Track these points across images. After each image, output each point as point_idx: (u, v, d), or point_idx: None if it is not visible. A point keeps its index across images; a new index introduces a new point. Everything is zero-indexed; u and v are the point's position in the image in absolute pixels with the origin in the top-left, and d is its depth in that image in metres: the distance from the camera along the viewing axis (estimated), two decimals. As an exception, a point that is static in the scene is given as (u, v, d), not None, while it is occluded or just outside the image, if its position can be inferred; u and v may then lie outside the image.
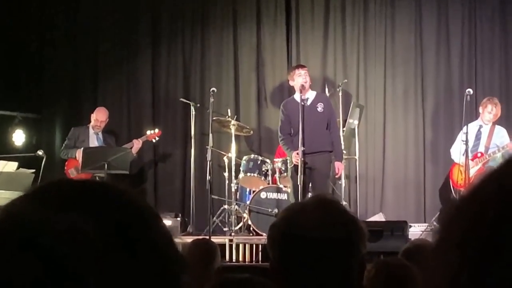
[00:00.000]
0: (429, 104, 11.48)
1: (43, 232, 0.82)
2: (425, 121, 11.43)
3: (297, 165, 8.95)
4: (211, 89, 10.27)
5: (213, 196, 10.14)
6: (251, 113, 11.76)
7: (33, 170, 9.22)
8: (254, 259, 9.37)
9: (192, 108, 10.71)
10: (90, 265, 0.84)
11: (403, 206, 11.19)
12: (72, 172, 10.38)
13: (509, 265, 0.59)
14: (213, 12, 12.00)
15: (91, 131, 10.77)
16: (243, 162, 10.16)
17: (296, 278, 2.08)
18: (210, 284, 2.08)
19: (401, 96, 11.52)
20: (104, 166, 9.83)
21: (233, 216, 10.16)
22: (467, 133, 9.61)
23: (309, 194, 8.83)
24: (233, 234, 9.89)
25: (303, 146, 8.93)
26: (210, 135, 9.99)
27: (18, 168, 9.10)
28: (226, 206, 10.36)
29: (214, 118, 10.31)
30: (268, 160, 10.21)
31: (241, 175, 10.12)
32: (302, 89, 9.16)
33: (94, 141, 10.73)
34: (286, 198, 9.62)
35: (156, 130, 10.92)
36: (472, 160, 9.87)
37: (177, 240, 1.05)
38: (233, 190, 10.28)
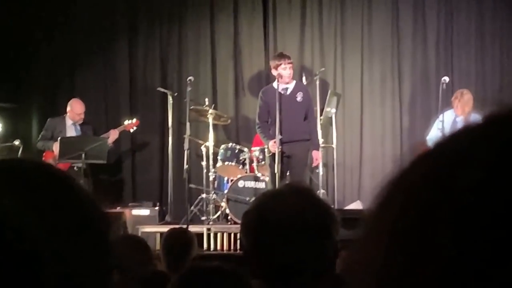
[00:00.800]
0: (406, 92, 11.52)
1: None
2: (402, 109, 11.47)
3: (275, 154, 8.98)
4: (188, 78, 10.26)
5: (190, 185, 10.14)
6: (229, 102, 11.75)
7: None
8: (232, 248, 9.36)
9: (170, 97, 10.67)
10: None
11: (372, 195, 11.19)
12: (51, 163, 10.33)
13: (439, 258, 0.58)
14: (191, 1, 11.96)
15: (68, 121, 10.70)
16: (221, 151, 10.15)
17: (270, 264, 2.08)
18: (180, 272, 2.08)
19: (378, 84, 11.55)
20: (81, 156, 9.79)
21: (211, 205, 10.15)
22: (443, 121, 9.66)
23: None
24: (211, 223, 9.88)
25: (281, 134, 8.95)
26: (188, 124, 9.98)
27: (-6, 158, 9.03)
28: (204, 195, 10.34)
29: (191, 107, 10.29)
30: (245, 149, 10.20)
31: (219, 164, 10.11)
32: (287, 80, 9.23)
33: (72, 132, 10.67)
34: (264, 187, 9.62)
35: (134, 120, 10.88)
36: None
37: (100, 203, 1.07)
38: (211, 179, 10.27)
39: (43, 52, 11.78)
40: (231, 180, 10.08)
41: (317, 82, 10.22)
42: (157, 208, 10.58)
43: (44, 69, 11.80)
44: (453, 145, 0.63)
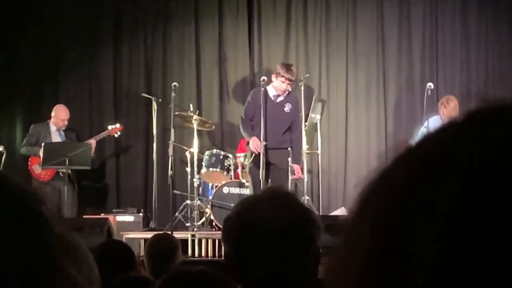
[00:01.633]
0: (391, 98, 11.55)
1: None
2: (387, 115, 11.49)
3: (257, 160, 9.01)
4: (173, 84, 10.24)
5: (175, 192, 10.11)
6: (213, 108, 11.74)
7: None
8: (216, 254, 9.34)
9: (154, 103, 10.66)
10: None
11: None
12: (36, 169, 10.32)
13: (420, 261, 0.56)
14: (175, 7, 11.95)
15: (52, 127, 10.67)
16: (206, 157, 10.14)
17: (251, 270, 2.07)
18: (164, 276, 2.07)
19: (363, 90, 11.57)
20: (65, 161, 9.78)
21: (196, 211, 10.13)
22: (427, 126, 9.67)
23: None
24: (195, 229, 9.86)
25: (265, 141, 8.97)
26: (172, 130, 9.96)
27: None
28: (188, 202, 10.32)
29: (176, 113, 10.28)
30: (230, 155, 10.20)
31: (204, 170, 10.10)
32: (283, 92, 9.32)
33: (56, 137, 10.65)
34: (249, 193, 9.62)
35: (118, 125, 10.87)
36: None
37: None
38: (195, 185, 10.27)
39: (26, 56, 11.73)
40: (216, 186, 10.07)
41: (302, 88, 10.22)
42: (141, 214, 10.56)
43: (27, 74, 11.75)
44: (434, 143, 0.62)
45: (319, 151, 10.65)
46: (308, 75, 10.89)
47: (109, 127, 10.84)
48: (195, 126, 10.36)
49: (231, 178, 10.06)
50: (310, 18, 11.75)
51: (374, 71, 11.57)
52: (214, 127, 11.06)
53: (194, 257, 9.29)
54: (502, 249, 0.53)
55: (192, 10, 11.87)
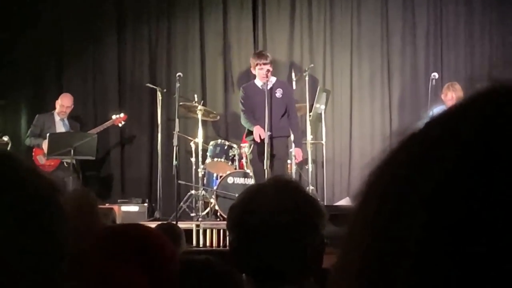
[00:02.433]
0: (395, 88, 11.53)
1: None
2: (391, 105, 11.47)
3: (258, 151, 9.01)
4: (177, 74, 10.22)
5: (180, 182, 10.11)
6: (218, 98, 11.74)
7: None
8: (221, 244, 9.35)
9: (159, 94, 10.66)
10: None
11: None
12: (40, 159, 10.34)
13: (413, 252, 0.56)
14: (180, -4, 11.95)
15: (56, 117, 10.69)
16: (210, 147, 10.13)
17: (255, 258, 2.07)
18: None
19: (367, 80, 11.55)
20: (70, 152, 9.80)
21: (200, 202, 10.13)
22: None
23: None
24: (200, 219, 9.86)
25: (270, 131, 8.97)
26: (177, 120, 9.95)
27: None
28: (193, 192, 10.33)
29: (180, 103, 10.26)
30: (235, 145, 10.19)
31: (208, 160, 10.09)
32: (266, 81, 9.23)
33: (60, 127, 10.67)
34: (253, 183, 9.62)
35: (122, 115, 10.89)
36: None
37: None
38: (200, 175, 10.26)
39: (30, 47, 11.72)
40: (220, 177, 10.06)
41: (306, 79, 10.21)
42: (146, 204, 10.57)
43: (32, 65, 11.75)
44: (435, 125, 0.62)
45: (323, 141, 10.64)
46: (312, 65, 10.88)
47: (113, 116, 10.85)
48: (199, 116, 10.36)
49: (235, 168, 10.05)
50: (315, 8, 11.73)
51: (379, 61, 11.55)
52: (218, 117, 11.06)
53: (199, 247, 9.30)
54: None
55: (196, 0, 11.86)
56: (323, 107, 10.64)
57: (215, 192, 9.86)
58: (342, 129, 11.52)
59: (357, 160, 11.36)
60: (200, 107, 10.38)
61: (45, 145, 10.12)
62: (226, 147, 10.11)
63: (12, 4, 11.66)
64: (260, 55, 9.60)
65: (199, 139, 10.30)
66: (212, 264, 1.70)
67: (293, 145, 9.48)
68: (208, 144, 10.25)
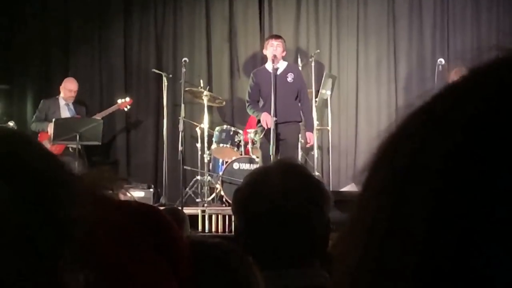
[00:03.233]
0: (402, 74, 11.51)
1: None
2: (397, 91, 11.45)
3: (268, 135, 8.99)
4: (183, 60, 10.22)
5: (185, 167, 10.13)
6: (224, 84, 11.73)
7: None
8: (226, 230, 9.37)
9: (164, 79, 10.65)
10: None
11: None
12: (45, 144, 10.30)
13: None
14: (186, -18, 11.92)
15: (61, 102, 10.69)
16: (216, 133, 10.13)
17: (261, 241, 2.07)
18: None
19: (374, 66, 11.52)
20: (76, 137, 9.80)
21: (206, 187, 10.14)
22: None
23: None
24: (205, 205, 9.88)
25: (275, 116, 8.94)
26: (182, 105, 9.96)
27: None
28: (198, 177, 10.34)
29: (186, 89, 10.27)
30: (240, 131, 10.19)
31: (214, 146, 10.09)
32: (274, 59, 9.19)
33: (65, 112, 10.67)
34: (259, 169, 9.60)
35: (127, 99, 10.87)
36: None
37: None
38: (205, 161, 10.26)
39: (36, 32, 11.73)
40: (226, 162, 10.07)
41: (312, 64, 10.21)
42: (151, 190, 10.57)
43: (37, 50, 11.75)
44: (437, 99, 0.61)
45: (329, 127, 10.65)
46: (318, 50, 10.87)
47: (119, 100, 10.84)
48: (205, 102, 10.35)
49: (241, 154, 10.05)
50: (321, -7, 11.70)
51: (385, 46, 11.53)
52: (224, 103, 11.05)
53: (204, 232, 9.32)
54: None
55: (203, -15, 11.84)
56: (329, 92, 10.63)
57: (220, 178, 9.87)
58: (348, 115, 11.50)
59: (363, 146, 11.34)
60: (206, 92, 10.37)
61: (50, 129, 10.12)
62: (232, 133, 10.11)
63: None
64: (272, 34, 9.89)
65: (205, 124, 10.30)
66: (226, 247, 1.69)
67: (302, 131, 9.46)
68: (213, 129, 10.25)
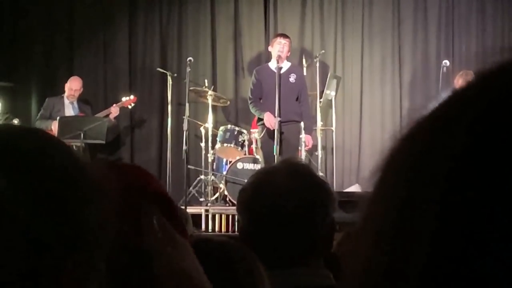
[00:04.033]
0: (406, 75, 11.50)
1: None
2: (402, 92, 11.44)
3: (270, 133, 9.01)
4: (188, 59, 10.23)
5: (189, 166, 10.12)
6: (228, 84, 11.73)
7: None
8: (230, 230, 9.37)
9: (169, 78, 10.65)
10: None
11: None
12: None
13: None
14: (191, -19, 11.92)
15: (66, 100, 10.71)
16: (220, 132, 10.13)
17: (265, 241, 2.07)
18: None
19: (378, 67, 11.52)
20: (80, 135, 9.81)
21: (210, 187, 10.14)
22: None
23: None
24: (209, 204, 9.88)
25: (279, 116, 8.95)
26: (187, 105, 9.96)
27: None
28: (202, 177, 10.34)
29: (191, 88, 10.26)
30: (244, 131, 10.18)
31: (218, 145, 10.09)
32: (279, 58, 9.22)
33: (70, 111, 10.69)
34: (262, 168, 9.60)
35: (132, 97, 10.87)
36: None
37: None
38: (209, 160, 10.27)
39: (41, 30, 11.74)
40: (230, 162, 10.07)
41: (317, 65, 10.21)
42: (155, 188, 10.55)
43: (42, 48, 11.76)
44: (444, 104, 0.61)
45: (333, 128, 10.64)
46: (323, 51, 10.87)
47: (123, 98, 10.84)
48: (210, 101, 10.36)
49: (245, 154, 10.05)
50: (326, -6, 11.70)
51: (390, 48, 11.52)
52: (228, 102, 11.05)
53: (208, 231, 9.32)
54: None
55: (208, -16, 11.84)
56: (333, 93, 10.63)
57: (224, 178, 9.87)
58: (352, 116, 11.50)
59: (367, 147, 11.34)
60: (210, 92, 10.37)
61: (54, 127, 10.13)
62: (236, 133, 10.11)
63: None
64: (279, 33, 9.91)
65: (209, 124, 10.30)
66: (231, 245, 1.69)
67: (303, 131, 9.47)
68: (218, 129, 10.25)
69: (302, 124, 9.44)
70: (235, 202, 9.51)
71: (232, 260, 1.64)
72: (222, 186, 9.99)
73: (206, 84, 10.60)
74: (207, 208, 9.64)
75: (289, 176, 2.10)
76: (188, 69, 10.08)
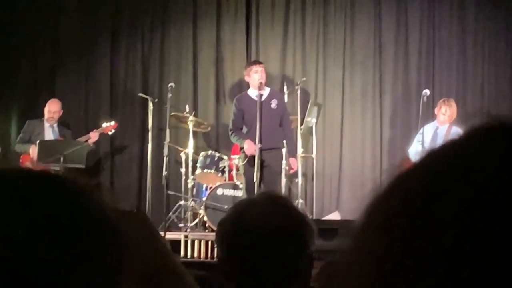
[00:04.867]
0: (387, 103, 11.55)
1: None
2: (383, 120, 11.49)
3: (251, 162, 8.99)
4: (169, 85, 10.23)
5: (169, 192, 10.09)
6: (209, 109, 11.74)
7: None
8: (209, 256, 9.33)
9: (150, 103, 10.63)
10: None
11: (359, 205, 11.18)
12: (28, 166, 10.28)
13: (438, 248, 0.56)
14: (173, 7, 11.94)
15: (46, 124, 10.67)
16: (200, 158, 10.13)
17: (243, 273, 2.06)
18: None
19: (359, 95, 11.56)
20: (60, 159, 9.76)
21: (189, 212, 10.12)
22: (423, 134, 9.68)
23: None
24: (188, 230, 9.84)
25: (260, 143, 8.94)
26: (168, 130, 9.95)
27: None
28: (182, 202, 10.31)
29: (172, 114, 10.26)
30: (225, 157, 10.19)
31: (198, 171, 10.08)
32: (260, 85, 9.21)
33: (49, 134, 10.64)
34: (242, 195, 9.60)
35: (112, 123, 10.85)
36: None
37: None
38: (189, 186, 10.25)
39: (24, 54, 11.71)
40: (210, 188, 10.06)
41: (298, 92, 10.24)
42: (134, 214, 10.50)
43: (24, 72, 11.73)
44: (433, 165, 0.62)
45: (314, 155, 10.65)
46: (304, 78, 10.90)
47: (104, 124, 10.82)
48: (190, 127, 10.36)
49: (225, 180, 10.04)
50: (308, 21, 11.75)
51: (371, 76, 11.57)
52: (209, 128, 11.06)
53: (187, 258, 9.27)
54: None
55: (190, 10, 11.86)
56: (314, 120, 10.66)
57: (204, 203, 9.85)
58: (332, 143, 11.52)
59: (347, 175, 11.37)
60: (191, 117, 10.38)
61: (33, 151, 10.09)
62: (216, 159, 10.11)
63: (8, 11, 11.62)
64: (253, 61, 9.94)
65: (190, 149, 10.29)
66: (211, 281, 1.69)
67: (284, 158, 9.46)
68: (198, 155, 10.25)
69: (284, 150, 9.42)
70: (214, 228, 9.49)
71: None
72: (202, 212, 9.97)
73: (187, 110, 10.60)
74: (187, 234, 9.60)
75: (268, 210, 2.09)
76: (169, 95, 10.09)
